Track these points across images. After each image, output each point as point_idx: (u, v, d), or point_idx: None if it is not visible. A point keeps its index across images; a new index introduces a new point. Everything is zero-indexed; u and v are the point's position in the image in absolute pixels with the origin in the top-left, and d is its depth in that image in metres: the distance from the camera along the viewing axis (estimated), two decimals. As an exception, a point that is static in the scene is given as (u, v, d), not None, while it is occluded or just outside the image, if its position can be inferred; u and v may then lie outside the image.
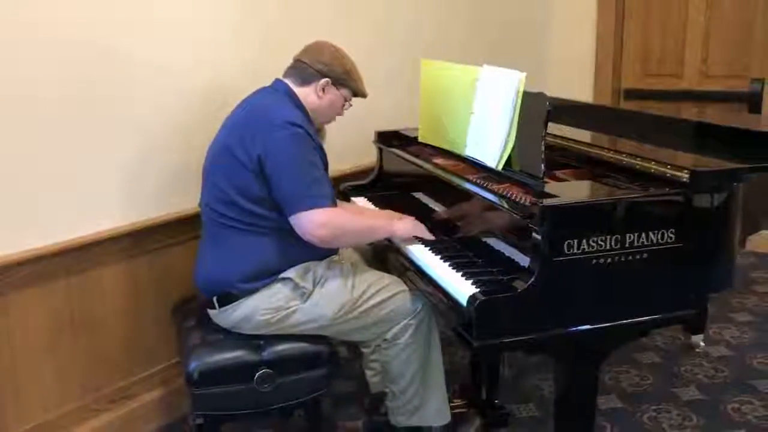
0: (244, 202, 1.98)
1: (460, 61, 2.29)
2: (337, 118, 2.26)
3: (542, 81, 3.56)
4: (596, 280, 1.69)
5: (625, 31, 4.54)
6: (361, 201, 2.70)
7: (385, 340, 2.11)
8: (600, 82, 4.55)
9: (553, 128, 2.38)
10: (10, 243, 2.00)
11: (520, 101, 1.99)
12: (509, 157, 2.04)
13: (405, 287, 2.11)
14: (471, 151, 2.21)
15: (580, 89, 4.48)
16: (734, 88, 4.18)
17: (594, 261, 1.68)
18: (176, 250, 2.42)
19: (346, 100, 2.20)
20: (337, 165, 2.97)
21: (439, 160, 2.40)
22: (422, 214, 2.30)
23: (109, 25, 2.13)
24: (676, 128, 2.42)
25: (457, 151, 2.29)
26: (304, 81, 2.12)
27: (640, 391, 2.65)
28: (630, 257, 1.70)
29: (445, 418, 2.24)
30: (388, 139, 2.79)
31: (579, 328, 1.71)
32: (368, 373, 2.38)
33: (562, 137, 2.32)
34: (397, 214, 2.27)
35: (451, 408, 2.29)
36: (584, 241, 1.66)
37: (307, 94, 2.12)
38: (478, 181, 2.06)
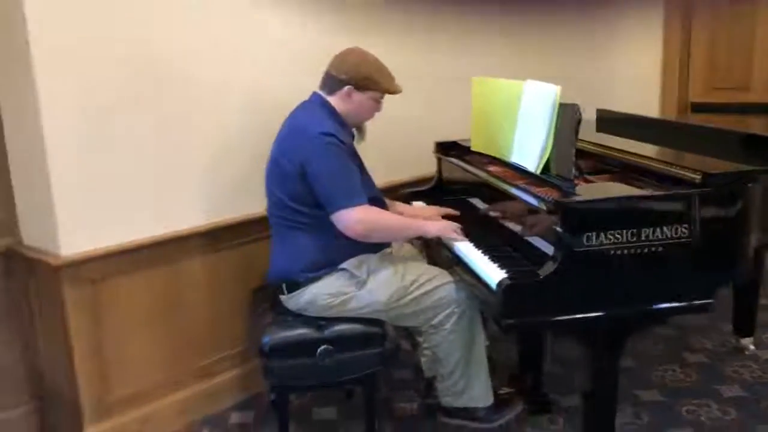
0: (297, 206, 2.28)
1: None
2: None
3: (610, 97, 3.75)
4: (613, 270, 1.89)
5: (693, 44, 4.62)
6: (418, 204, 2.95)
7: (432, 326, 2.36)
8: (667, 97, 4.64)
9: (599, 138, 2.59)
10: (119, 236, 2.37)
11: (556, 112, 2.21)
12: (547, 162, 2.27)
13: (451, 278, 2.35)
14: (516, 157, 2.44)
15: (648, 104, 4.59)
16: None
17: (612, 252, 1.88)
18: (249, 247, 2.73)
19: (375, 101, 2.42)
20: (398, 174, 3.26)
21: (491, 168, 2.63)
22: (473, 216, 2.55)
23: (181, 50, 2.48)
24: (710, 136, 2.58)
25: (504, 158, 2.52)
26: (332, 90, 2.38)
27: (683, 387, 2.78)
28: (645, 250, 1.89)
29: (489, 399, 2.46)
30: (446, 149, 3.05)
31: (597, 313, 1.91)
32: (422, 359, 2.60)
33: (601, 145, 2.52)
34: (436, 213, 2.54)
35: (500, 395, 2.52)
36: (602, 234, 1.87)
37: (336, 102, 2.38)
38: (521, 185, 2.29)
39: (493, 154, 2.63)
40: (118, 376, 2.48)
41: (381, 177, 3.06)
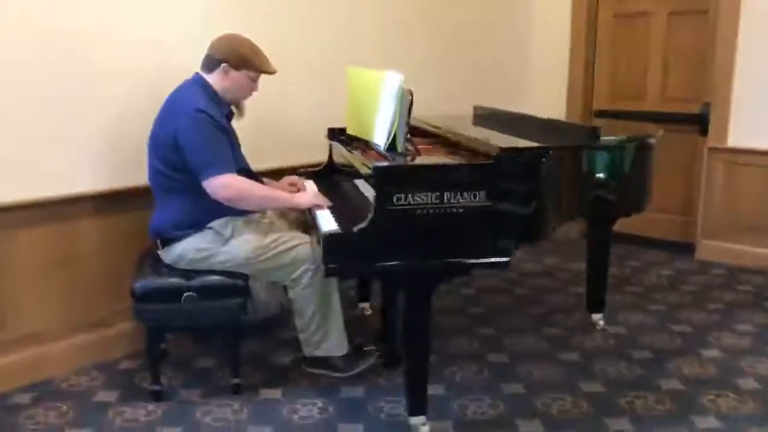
0: (171, 172, 2.62)
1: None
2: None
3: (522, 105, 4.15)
4: (419, 227, 2.23)
5: (597, 56, 5.02)
6: (309, 183, 3.28)
7: (292, 280, 2.69)
8: (571, 104, 5.02)
9: (449, 123, 2.95)
10: (20, 191, 2.69)
11: (400, 97, 2.56)
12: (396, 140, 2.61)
13: (307, 239, 2.69)
14: (376, 138, 2.77)
15: (556, 109, 4.97)
16: (689, 111, 4.60)
17: (417, 211, 2.22)
18: (143, 213, 2.99)
19: (251, 80, 2.75)
20: (296, 159, 3.58)
21: (362, 150, 2.96)
22: (340, 191, 2.89)
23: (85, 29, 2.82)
24: (529, 124, 2.97)
25: (369, 138, 2.86)
26: (210, 69, 2.70)
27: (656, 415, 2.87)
28: (448, 211, 2.23)
29: (343, 349, 2.80)
30: (335, 134, 3.38)
31: (405, 262, 2.24)
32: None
33: (439, 128, 2.90)
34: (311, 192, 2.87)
35: (355, 345, 2.86)
36: (410, 195, 2.21)
37: (213, 80, 2.71)
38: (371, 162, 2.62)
39: (362, 136, 2.97)
40: (14, 318, 2.78)
41: (278, 160, 3.42)
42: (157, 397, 2.68)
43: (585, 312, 3.49)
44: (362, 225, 2.22)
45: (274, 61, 2.79)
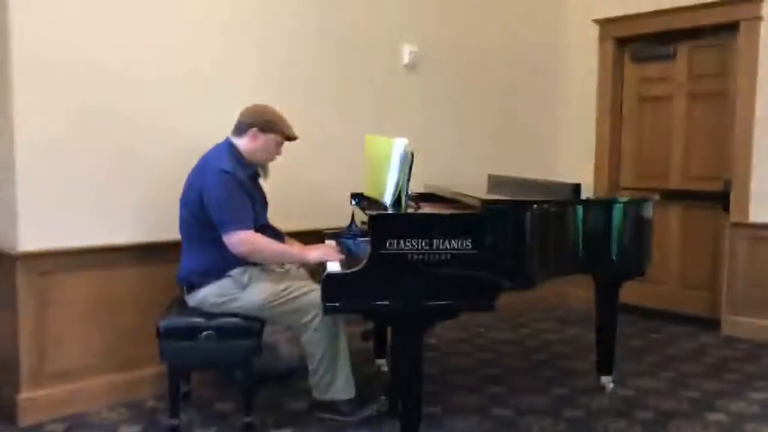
0: (197, 225, 2.93)
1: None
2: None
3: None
4: (410, 270, 2.46)
5: (623, 139, 5.24)
6: (330, 242, 3.53)
7: (302, 324, 2.92)
8: (599, 183, 5.21)
9: (455, 187, 3.21)
10: (68, 239, 3.05)
11: (407, 159, 2.83)
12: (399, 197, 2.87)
13: (317, 287, 2.92)
14: (386, 196, 3.04)
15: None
16: (711, 188, 4.73)
17: (408, 256, 2.45)
18: (177, 264, 3.33)
19: (277, 143, 3.07)
20: (322, 221, 3.86)
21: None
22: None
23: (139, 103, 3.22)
24: (531, 186, 3.19)
25: (381, 198, 3.12)
26: (240, 133, 3.04)
27: None
28: (436, 257, 2.46)
29: (351, 392, 2.98)
30: (356, 198, 3.65)
31: (396, 304, 2.46)
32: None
33: (455, 192, 3.14)
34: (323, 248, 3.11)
35: (362, 392, 3.03)
36: (402, 241, 2.45)
37: (242, 143, 3.03)
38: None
39: (376, 197, 3.24)
40: (54, 354, 3.08)
41: (305, 222, 3.69)
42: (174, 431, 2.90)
43: (597, 375, 3.57)
44: (358, 267, 2.46)
45: (300, 130, 3.12)
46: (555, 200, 2.85)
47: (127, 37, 3.20)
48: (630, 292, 3.98)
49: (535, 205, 2.60)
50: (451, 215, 2.57)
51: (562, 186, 3.06)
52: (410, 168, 2.78)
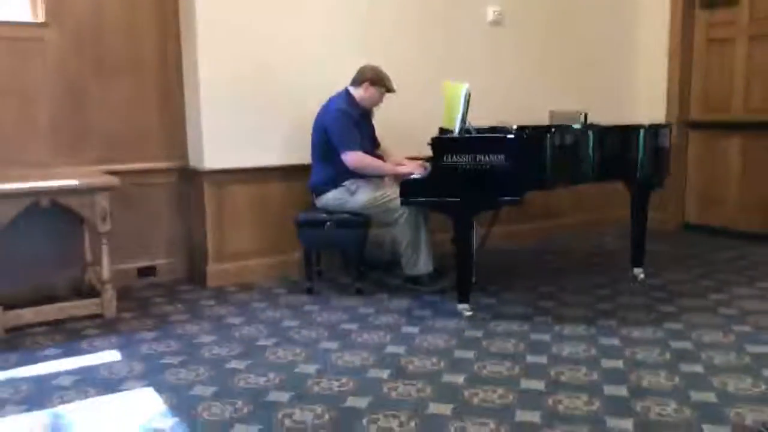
0: (321, 149, 4.18)
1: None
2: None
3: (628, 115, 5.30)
4: (461, 176, 3.56)
5: (692, 79, 5.95)
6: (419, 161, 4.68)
7: (394, 219, 4.12)
8: (670, 115, 5.97)
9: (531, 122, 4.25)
10: (236, 162, 4.41)
11: (467, 98, 3.91)
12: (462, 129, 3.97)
13: (404, 193, 4.11)
14: (456, 127, 4.13)
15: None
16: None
17: (459, 167, 3.56)
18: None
19: (381, 94, 4.25)
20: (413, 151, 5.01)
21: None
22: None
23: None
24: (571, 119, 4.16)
25: (452, 129, 4.22)
26: (356, 84, 4.23)
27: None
28: (478, 166, 3.55)
29: (429, 268, 4.17)
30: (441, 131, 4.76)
31: (454, 198, 3.59)
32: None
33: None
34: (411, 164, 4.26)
35: (438, 270, 4.21)
36: (454, 156, 3.56)
37: (356, 92, 4.23)
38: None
39: (450, 129, 4.34)
40: (230, 240, 4.49)
41: (406, 151, 4.84)
42: (309, 291, 4.23)
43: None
44: (425, 174, 3.62)
45: (403, 82, 4.30)
46: (572, 128, 3.82)
47: (274, 11, 4.46)
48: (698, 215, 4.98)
49: (550, 133, 3.61)
50: (488, 137, 3.64)
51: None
52: (467, 104, 3.85)
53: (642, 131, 4.06)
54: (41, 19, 4.05)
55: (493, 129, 4.56)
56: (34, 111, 4.08)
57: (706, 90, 5.90)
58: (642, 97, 6.12)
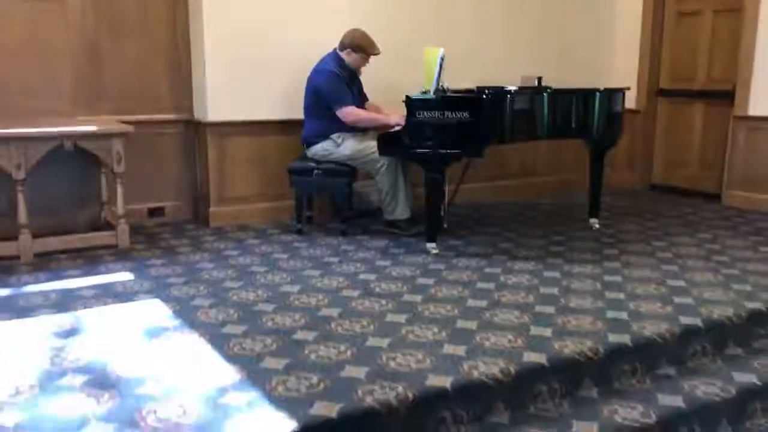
0: (312, 105, 4.68)
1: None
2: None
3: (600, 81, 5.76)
4: (430, 130, 4.07)
5: (663, 47, 6.40)
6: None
7: (375, 169, 4.65)
8: (641, 83, 6.44)
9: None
10: (237, 115, 4.93)
11: (441, 60, 4.40)
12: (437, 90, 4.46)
13: (384, 146, 4.63)
14: (432, 88, 4.63)
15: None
16: (725, 89, 5.87)
17: (428, 121, 4.07)
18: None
19: (363, 59, 4.74)
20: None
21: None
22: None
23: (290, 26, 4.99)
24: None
25: (428, 90, 4.72)
26: (341, 48, 4.72)
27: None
28: (446, 121, 4.06)
29: (406, 214, 4.71)
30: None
31: (424, 150, 4.10)
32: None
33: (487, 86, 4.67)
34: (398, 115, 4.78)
35: (414, 216, 4.75)
36: (423, 112, 4.07)
37: (343, 55, 4.71)
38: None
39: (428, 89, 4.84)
40: (230, 186, 5.03)
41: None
42: (299, 232, 4.78)
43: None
44: (398, 128, 4.14)
45: (382, 45, 4.77)
46: (530, 89, 4.32)
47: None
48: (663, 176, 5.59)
49: (509, 94, 4.12)
50: (454, 97, 4.15)
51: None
52: (441, 67, 4.34)
53: (597, 95, 4.55)
54: (64, -17, 4.56)
55: (470, 91, 5.08)
56: (56, 67, 4.61)
57: (674, 60, 6.36)
58: (617, 65, 6.58)
